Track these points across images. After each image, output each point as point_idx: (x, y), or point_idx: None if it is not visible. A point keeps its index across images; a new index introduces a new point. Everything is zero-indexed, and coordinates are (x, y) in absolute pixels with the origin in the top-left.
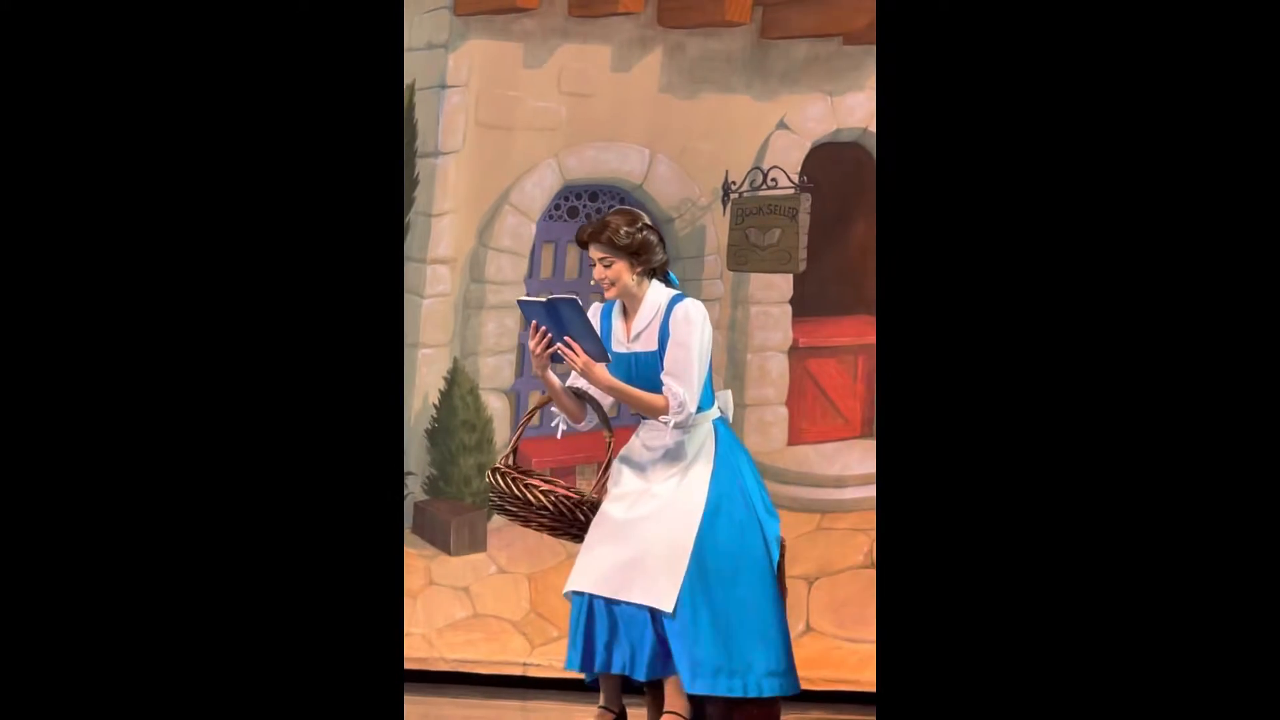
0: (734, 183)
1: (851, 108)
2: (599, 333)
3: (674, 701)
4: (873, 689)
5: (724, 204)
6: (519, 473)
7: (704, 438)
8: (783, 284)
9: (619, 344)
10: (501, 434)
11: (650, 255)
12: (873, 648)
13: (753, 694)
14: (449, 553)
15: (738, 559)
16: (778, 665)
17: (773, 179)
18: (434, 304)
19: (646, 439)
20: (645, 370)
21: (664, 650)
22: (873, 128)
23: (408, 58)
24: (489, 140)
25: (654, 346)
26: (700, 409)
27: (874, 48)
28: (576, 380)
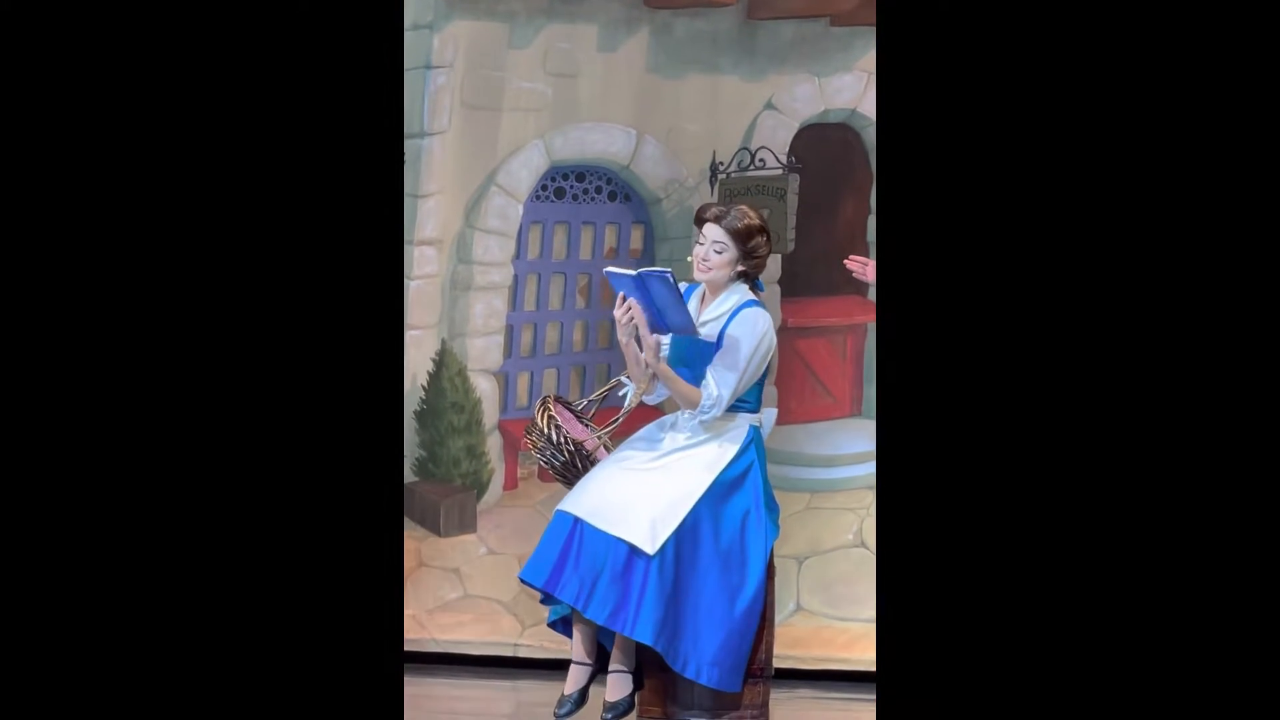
0: (722, 163)
1: (839, 89)
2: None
3: (621, 657)
4: (862, 667)
5: (712, 184)
6: (570, 409)
7: (739, 433)
8: (771, 264)
9: None
10: (490, 415)
11: (757, 261)
12: (862, 626)
13: (689, 675)
14: (439, 534)
15: (735, 547)
16: (724, 660)
17: (761, 159)
18: (421, 285)
19: (682, 426)
20: (698, 356)
21: (620, 597)
22: (861, 108)
23: None
24: (475, 121)
25: (714, 338)
26: (743, 408)
27: (862, 29)
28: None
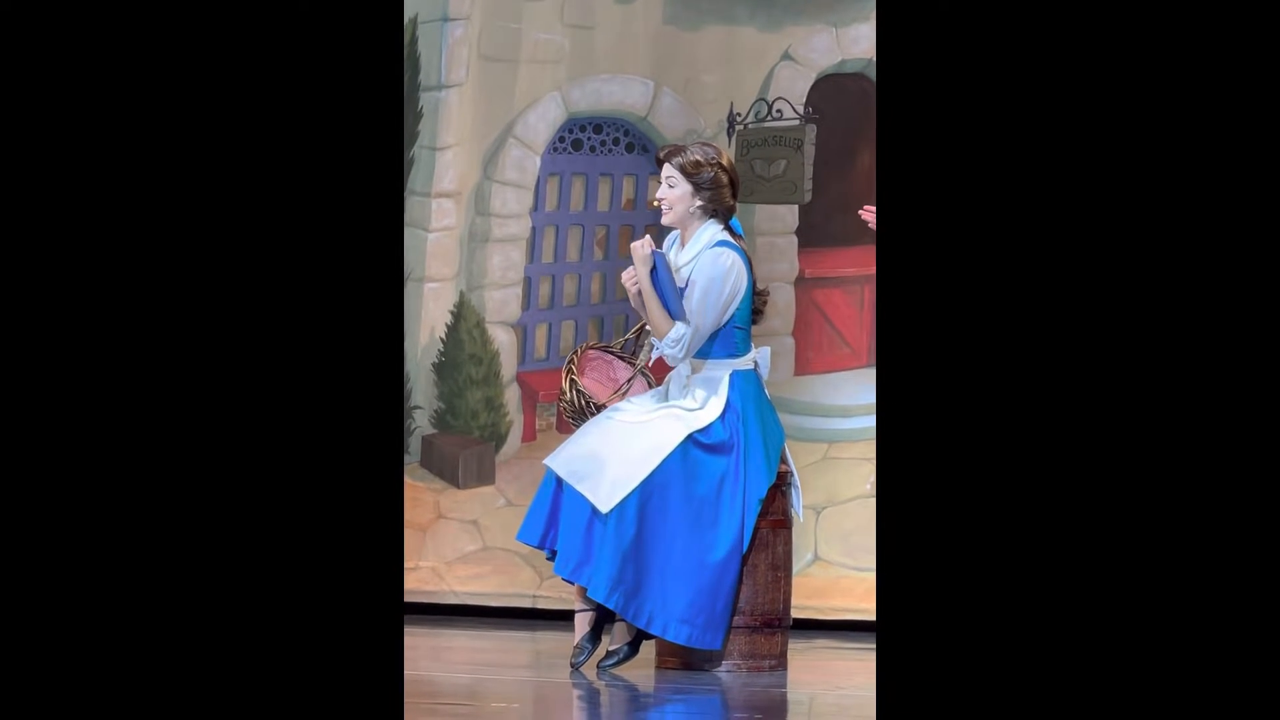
0: (739, 114)
1: (856, 38)
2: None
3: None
4: None
5: (729, 136)
6: (611, 352)
7: (722, 386)
8: (788, 215)
9: None
10: (508, 367)
11: (713, 194)
12: None
13: (654, 631)
14: (457, 486)
15: (709, 505)
16: (695, 617)
17: (778, 110)
18: (439, 238)
19: (679, 370)
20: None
21: (584, 553)
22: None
23: None
24: (492, 73)
25: (683, 284)
26: (726, 355)
27: None
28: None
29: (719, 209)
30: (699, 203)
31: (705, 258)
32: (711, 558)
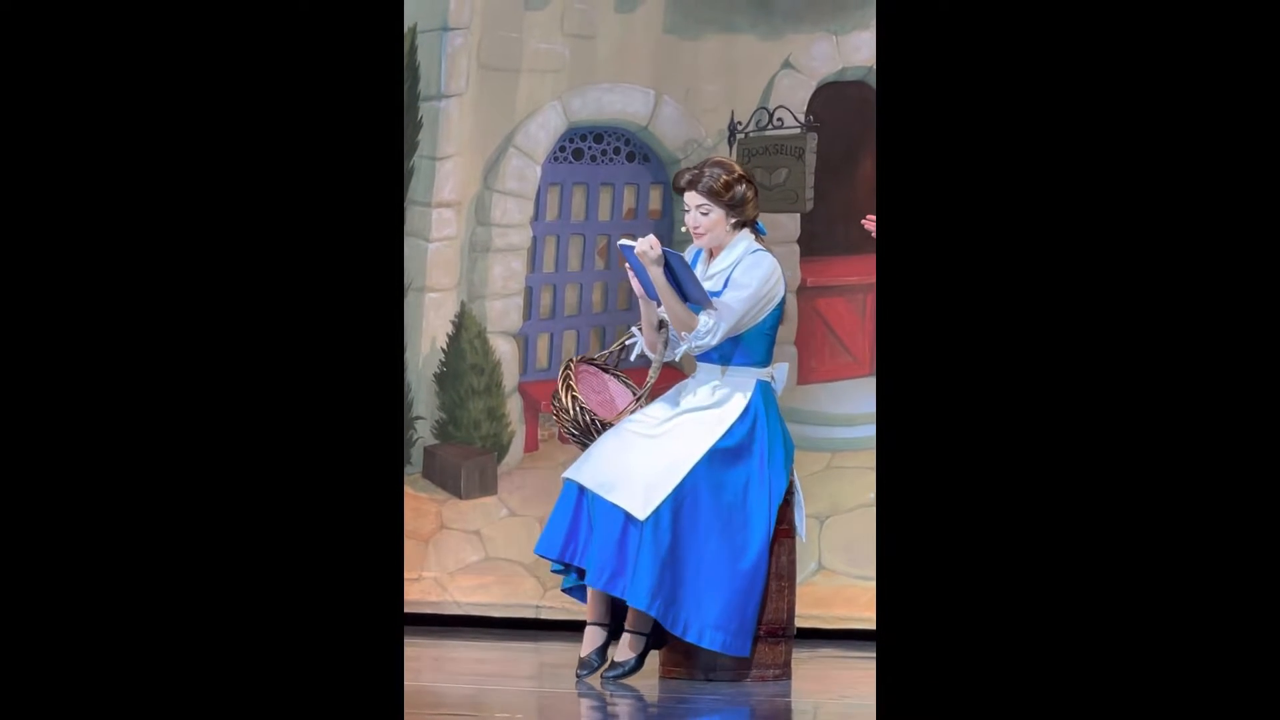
0: (740, 123)
1: (857, 46)
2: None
3: (634, 620)
4: None
5: (730, 145)
6: (598, 365)
7: (745, 390)
8: (790, 224)
9: None
10: (510, 377)
11: (745, 208)
12: None
13: (690, 639)
14: (460, 496)
15: (737, 510)
16: (729, 624)
17: (779, 119)
18: (440, 248)
19: (697, 377)
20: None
21: (619, 564)
22: None
23: (409, 0)
24: (492, 83)
25: (720, 287)
26: (750, 363)
27: None
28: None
29: (748, 221)
30: (733, 220)
31: (748, 260)
32: (742, 564)
